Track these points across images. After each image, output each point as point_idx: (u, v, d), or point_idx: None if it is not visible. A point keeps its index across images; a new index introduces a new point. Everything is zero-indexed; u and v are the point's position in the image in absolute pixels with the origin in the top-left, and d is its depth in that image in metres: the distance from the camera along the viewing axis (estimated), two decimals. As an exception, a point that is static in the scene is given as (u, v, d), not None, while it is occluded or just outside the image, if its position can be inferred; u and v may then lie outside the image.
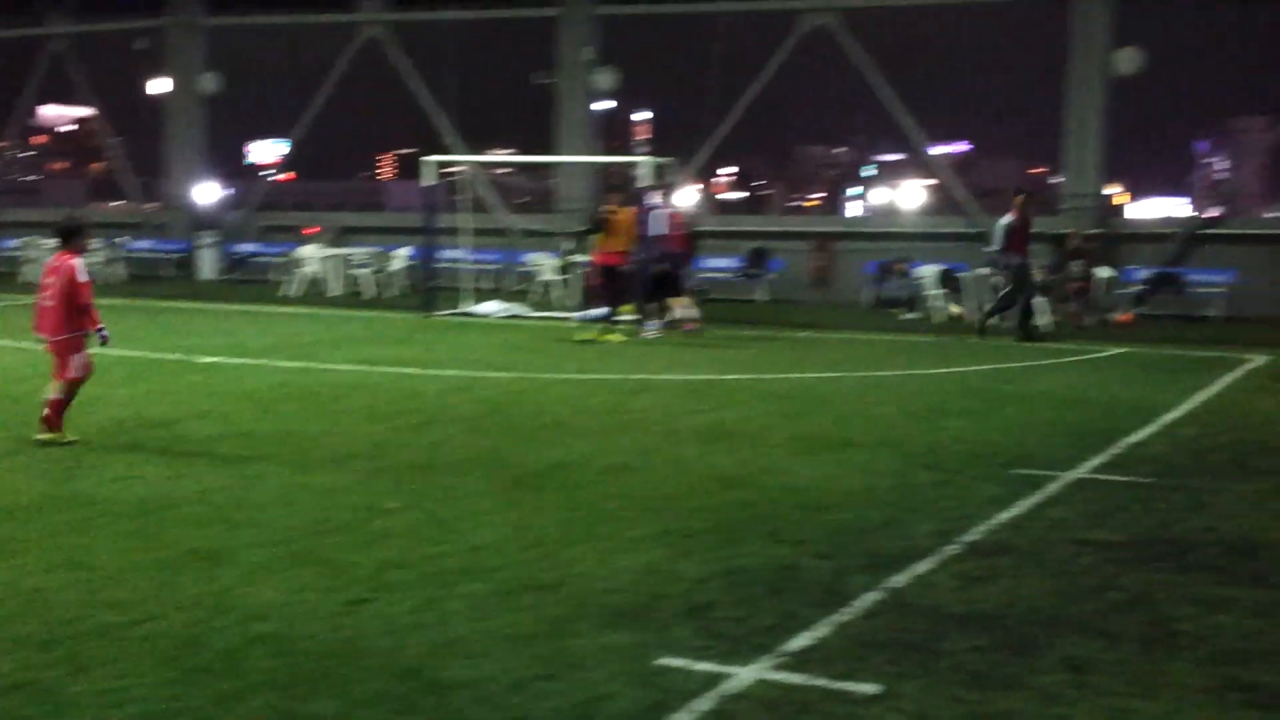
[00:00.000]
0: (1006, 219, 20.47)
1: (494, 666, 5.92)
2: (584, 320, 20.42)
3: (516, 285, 28.50)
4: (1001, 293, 20.79)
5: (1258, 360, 17.73)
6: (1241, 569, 7.54)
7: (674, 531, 8.23)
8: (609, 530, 8.26)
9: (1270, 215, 32.48)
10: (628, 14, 31.11)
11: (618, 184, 20.02)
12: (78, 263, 10.80)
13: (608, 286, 19.58)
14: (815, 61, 30.37)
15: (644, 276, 19.92)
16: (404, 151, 41.97)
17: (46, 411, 10.75)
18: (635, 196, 22.43)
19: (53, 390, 10.82)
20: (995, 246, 20.52)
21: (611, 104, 32.44)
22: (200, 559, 7.51)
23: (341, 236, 30.71)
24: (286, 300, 26.47)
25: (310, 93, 33.13)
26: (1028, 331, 20.11)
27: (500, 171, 36.28)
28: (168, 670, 5.82)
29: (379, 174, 49.96)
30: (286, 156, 35.72)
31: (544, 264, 27.13)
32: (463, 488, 9.34)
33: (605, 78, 30.41)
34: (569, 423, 12.20)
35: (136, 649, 6.06)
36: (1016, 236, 20.26)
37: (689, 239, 21.38)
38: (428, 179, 23.89)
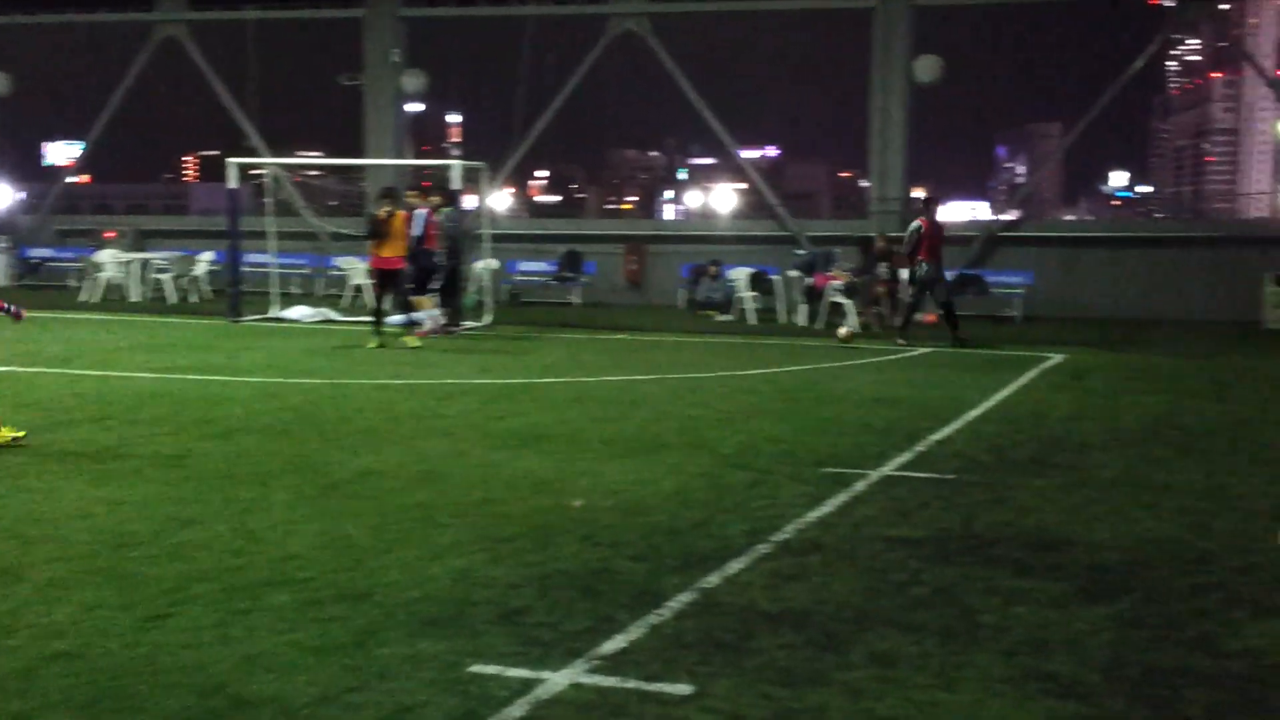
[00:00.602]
0: (915, 224, 20.86)
1: (301, 679, 5.78)
2: (401, 324, 20.19)
3: (327, 289, 28.03)
4: (911, 297, 21.12)
5: (1055, 359, 18.38)
6: (1039, 562, 7.78)
7: (486, 537, 8.16)
8: (420, 537, 8.15)
9: (1065, 218, 33.70)
10: (434, 16, 30.86)
11: (390, 189, 19.78)
12: None
13: (384, 290, 19.34)
14: (627, 65, 30.56)
15: (411, 278, 19.99)
16: (208, 153, 40.92)
17: None
18: (451, 197, 22.26)
19: None
20: (905, 250, 20.84)
21: (421, 106, 32.14)
22: (-11, 577, 7.19)
23: (141, 240, 29.80)
24: (84, 306, 25.58)
25: (106, 93, 32.07)
26: (910, 328, 20.66)
27: (310, 174, 35.62)
28: (-47, 694, 5.55)
29: (183, 176, 48.62)
30: (81, 158, 34.52)
31: (354, 268, 26.72)
32: (270, 497, 9.12)
33: (413, 80, 30.09)
34: (380, 429, 12.02)
35: (-82, 673, 5.76)
36: (925, 242, 20.51)
37: (448, 240, 21.27)
38: (232, 181, 23.34)
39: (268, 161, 27.82)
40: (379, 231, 19.05)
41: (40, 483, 9.52)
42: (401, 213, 19.58)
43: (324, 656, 6.05)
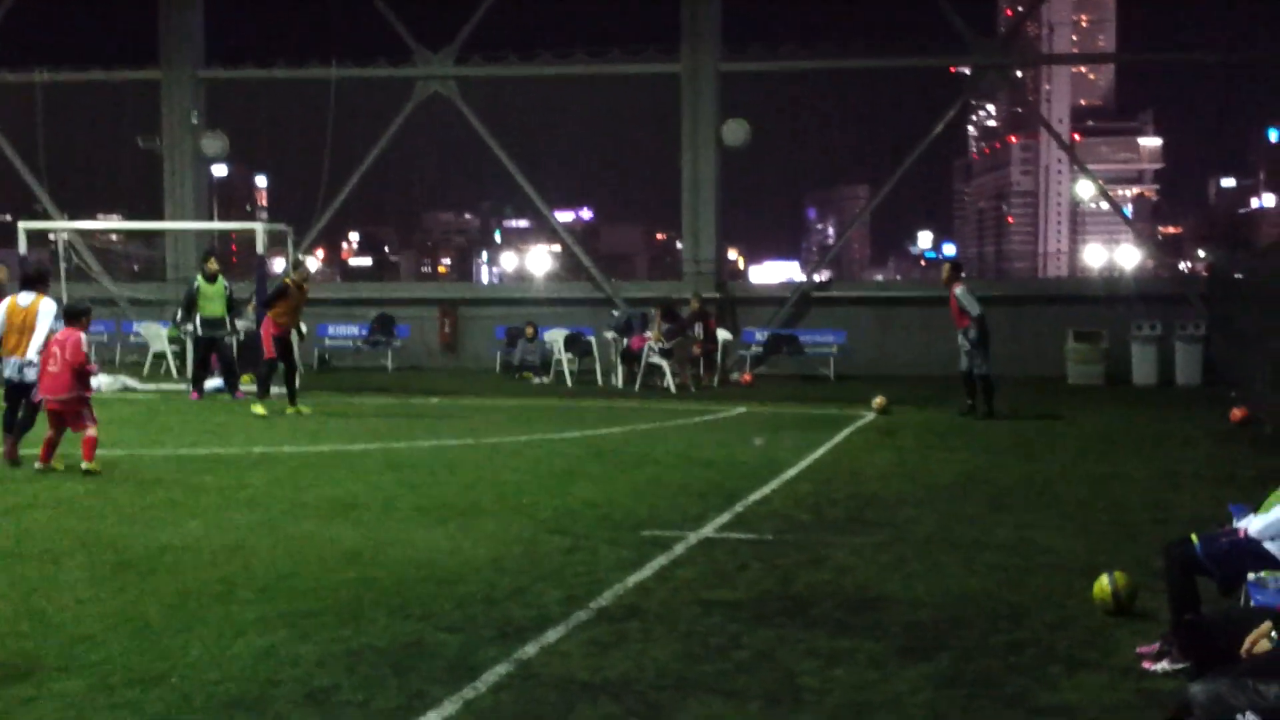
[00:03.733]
0: (960, 288, 18.82)
1: (88, 774, 5.40)
2: (214, 391, 19.71)
3: (126, 357, 27.07)
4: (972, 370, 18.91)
5: (868, 417, 18.62)
6: (858, 621, 7.75)
7: (292, 613, 7.81)
8: (222, 615, 7.76)
9: (875, 278, 34.47)
10: (233, 78, 30.26)
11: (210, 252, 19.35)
12: (82, 337, 12.99)
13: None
14: (438, 127, 30.34)
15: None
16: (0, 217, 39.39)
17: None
18: (257, 264, 21.74)
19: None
20: (974, 312, 18.68)
21: (223, 170, 31.41)
22: None
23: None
24: None
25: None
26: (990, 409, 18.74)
27: (109, 238, 34.50)
28: None
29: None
30: None
31: (157, 335, 25.84)
32: (61, 576, 8.63)
33: (213, 142, 29.37)
34: (181, 501, 11.51)
35: None
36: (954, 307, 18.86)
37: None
38: (23, 246, 22.43)
39: (61, 225, 26.83)
40: (284, 296, 18.68)
41: None
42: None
43: (114, 748, 5.67)
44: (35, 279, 14.30)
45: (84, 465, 12.77)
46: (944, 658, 7.04)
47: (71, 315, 13.36)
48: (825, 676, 6.70)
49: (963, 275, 19.67)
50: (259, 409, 18.22)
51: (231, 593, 8.28)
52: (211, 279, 20.64)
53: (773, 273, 37.62)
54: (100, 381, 22.33)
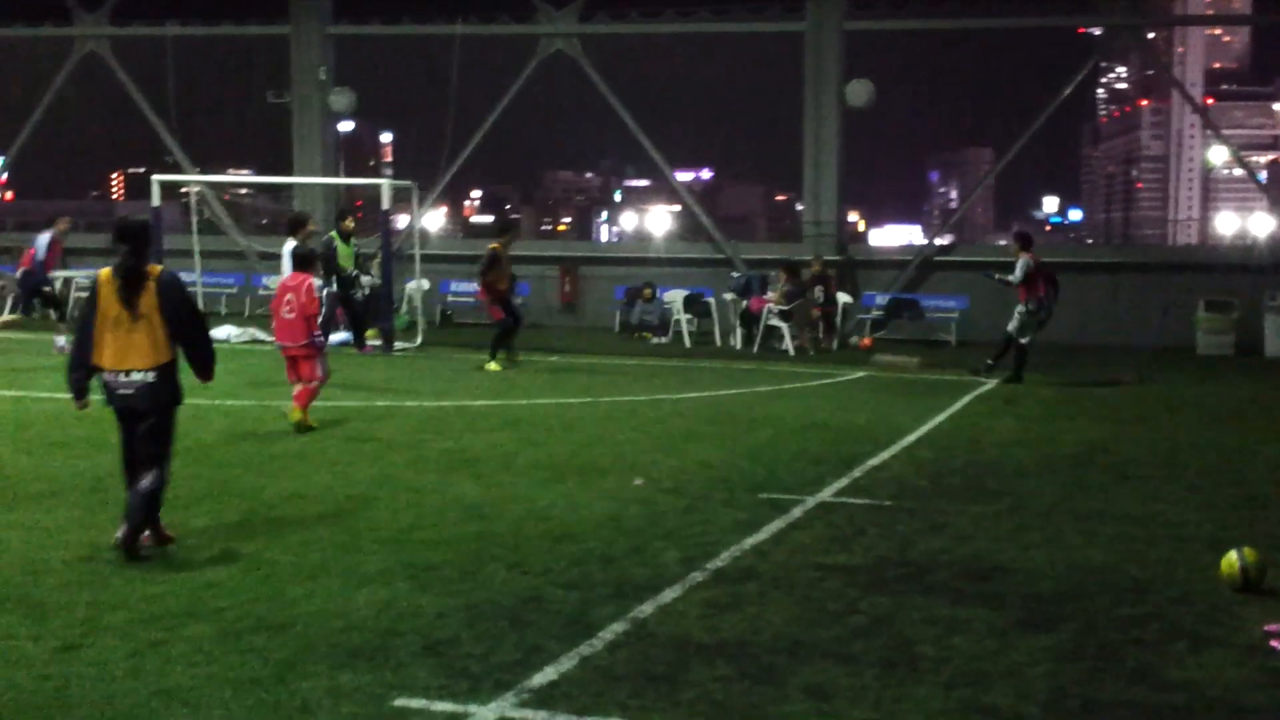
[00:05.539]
0: (1026, 260, 18.57)
1: (217, 714, 5.56)
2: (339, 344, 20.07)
3: (255, 309, 27.62)
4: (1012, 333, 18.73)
5: (989, 384, 18.38)
6: (976, 590, 7.67)
7: (413, 565, 7.94)
8: (345, 565, 7.91)
9: (999, 243, 33.88)
10: (361, 34, 30.57)
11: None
12: (315, 282, 13.32)
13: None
14: (560, 86, 30.41)
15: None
16: (135, 170, 40.31)
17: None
18: (382, 220, 22.03)
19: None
20: (1016, 279, 18.60)
21: (351, 125, 31.78)
22: (-110, 607, 6.89)
23: (65, 259, 29.18)
24: (5, 325, 24.96)
25: (28, 108, 31.46)
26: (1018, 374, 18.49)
27: (239, 192, 35.18)
28: None
29: (110, 193, 47.91)
30: (2, 173, 33.87)
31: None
32: (190, 523, 8.84)
33: (341, 98, 29.74)
34: (307, 452, 11.75)
35: None
36: (1035, 277, 18.60)
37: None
38: (156, 199, 22.94)
39: (193, 179, 27.41)
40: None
41: (-50, 507, 9.19)
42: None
43: (242, 690, 5.83)
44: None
45: (292, 415, 12.83)
46: (1065, 630, 6.95)
47: (303, 261, 13.58)
48: (942, 645, 6.65)
49: (1031, 248, 19.20)
50: (494, 366, 18.86)
51: (355, 544, 8.43)
52: (345, 238, 20.95)
53: (894, 236, 37.18)
54: (229, 332, 22.91)
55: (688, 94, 31.43)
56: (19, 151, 32.26)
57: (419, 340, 22.59)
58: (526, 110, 30.45)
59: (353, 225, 21.50)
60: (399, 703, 5.72)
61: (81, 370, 8.10)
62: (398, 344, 21.75)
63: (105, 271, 8.11)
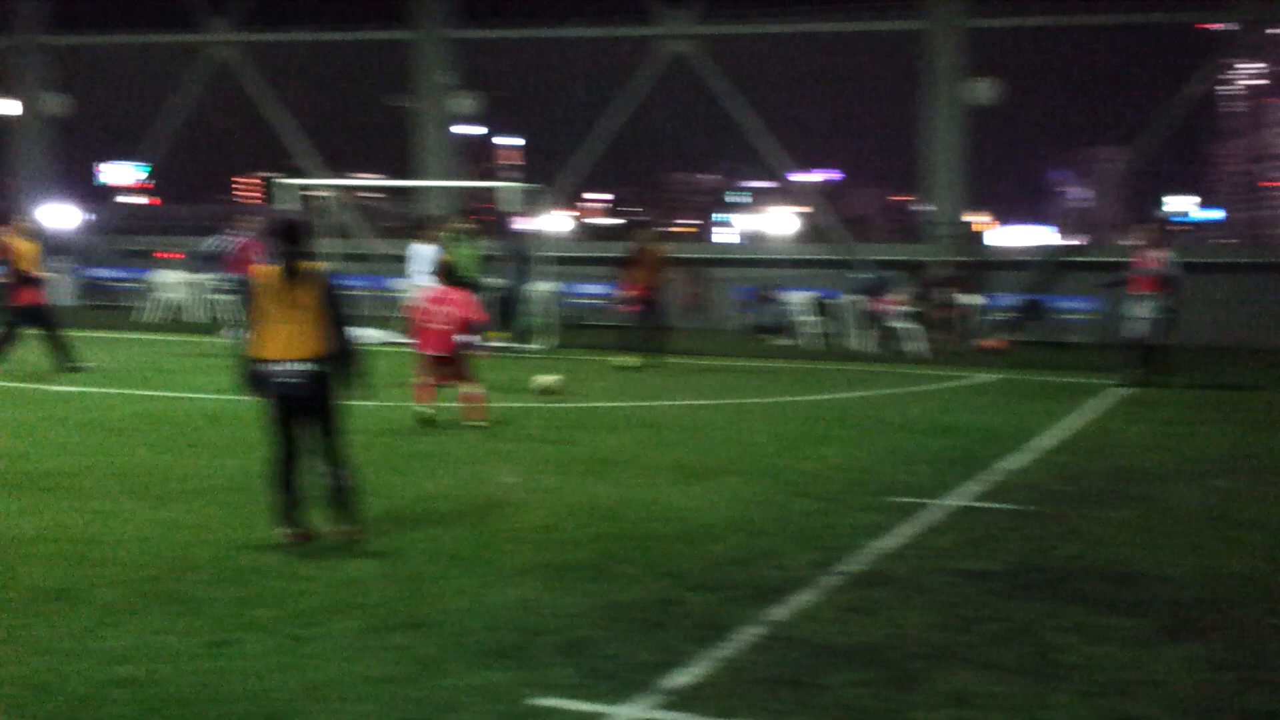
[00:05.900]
0: (1163, 254, 18.07)
1: (362, 710, 5.66)
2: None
3: (382, 311, 28.01)
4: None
5: (1125, 388, 18.01)
6: (1119, 598, 7.54)
7: (549, 565, 8.02)
8: (483, 564, 8.02)
9: (1128, 244, 33.21)
10: (485, 37, 30.88)
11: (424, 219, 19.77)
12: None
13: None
14: (679, 87, 30.42)
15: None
16: (265, 175, 41.19)
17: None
18: (500, 221, 22.28)
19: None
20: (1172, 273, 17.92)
21: (477, 129, 32.12)
22: (51, 600, 7.13)
23: (199, 261, 29.91)
24: (143, 326, 25.71)
25: (163, 115, 32.28)
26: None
27: (366, 195, 35.73)
28: (17, 719, 5.47)
29: (240, 197, 49.01)
30: (144, 179, 34.81)
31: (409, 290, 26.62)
32: (337, 519, 8.99)
33: (464, 102, 30.08)
34: (441, 452, 11.92)
35: (-20, 699, 5.69)
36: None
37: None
38: (285, 203, 23.40)
39: (320, 183, 27.89)
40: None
41: (101, 504, 9.48)
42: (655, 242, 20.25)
43: (386, 687, 5.93)
44: None
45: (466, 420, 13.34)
46: (1214, 639, 6.79)
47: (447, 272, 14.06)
48: (1085, 653, 6.55)
49: (1166, 244, 18.67)
50: (631, 361, 19.15)
51: (491, 543, 8.54)
52: (465, 241, 21.16)
53: (1021, 236, 36.53)
54: (371, 335, 23.27)
55: (808, 93, 31.19)
56: (161, 158, 33.13)
57: (547, 342, 22.77)
58: (646, 112, 30.52)
59: (471, 227, 21.66)
60: (538, 701, 5.78)
61: (249, 364, 8.33)
62: (527, 346, 21.95)
63: (265, 269, 8.40)
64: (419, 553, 8.26)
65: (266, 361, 8.22)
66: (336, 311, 8.34)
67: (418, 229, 19.01)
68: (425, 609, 7.08)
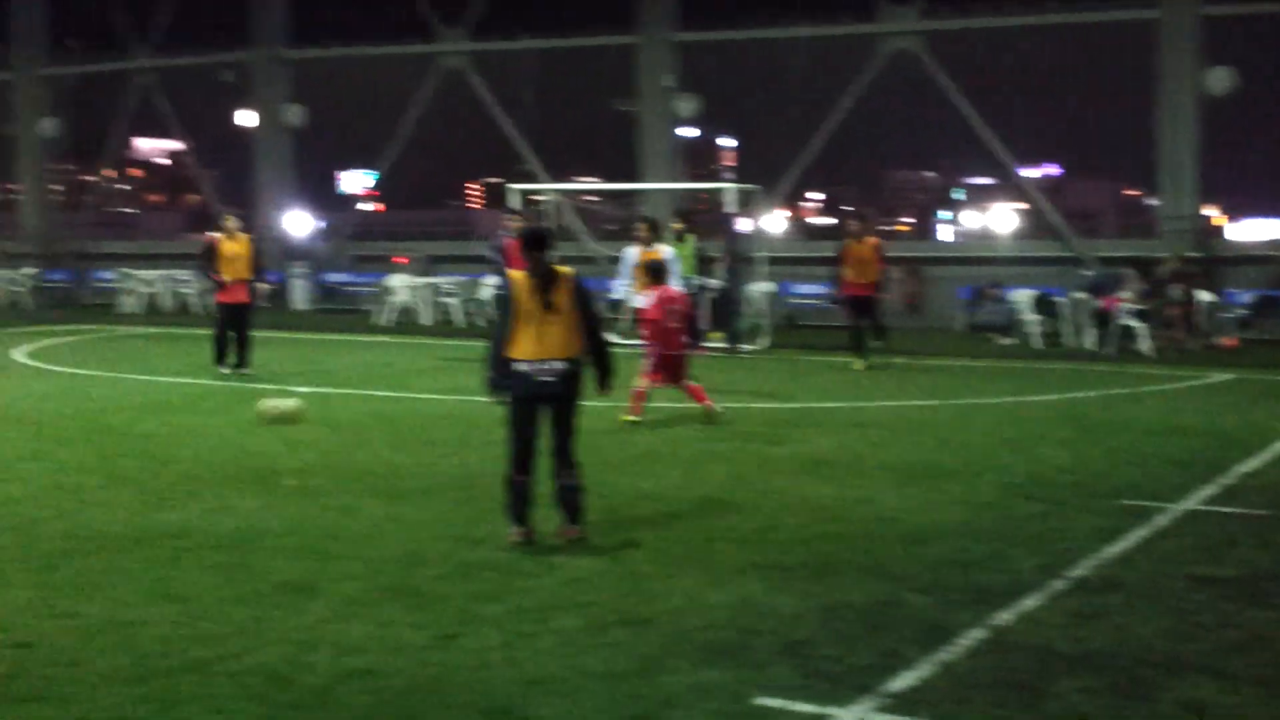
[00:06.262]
0: None
1: (587, 705, 5.78)
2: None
3: (606, 313, 28.42)
4: None
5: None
6: (1365, 606, 7.20)
7: (768, 565, 8.04)
8: (701, 563, 8.09)
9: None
10: (705, 40, 31.00)
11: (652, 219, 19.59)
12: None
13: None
14: (900, 84, 30.04)
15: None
16: (491, 180, 42.18)
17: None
18: (720, 222, 22.30)
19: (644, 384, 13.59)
20: None
21: (695, 131, 32.30)
22: (291, 592, 7.46)
23: (430, 265, 30.84)
24: (378, 329, 26.60)
25: (395, 123, 33.36)
26: None
27: (587, 199, 36.30)
28: (258, 706, 5.75)
29: (467, 203, 50.29)
30: (376, 186, 36.04)
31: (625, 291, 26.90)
32: (556, 519, 9.18)
33: (686, 104, 30.29)
34: (659, 452, 12.05)
35: (227, 685, 5.99)
36: None
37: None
38: (511, 205, 23.91)
39: (545, 187, 28.43)
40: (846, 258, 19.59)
41: (337, 501, 9.86)
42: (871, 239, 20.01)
43: (608, 682, 6.04)
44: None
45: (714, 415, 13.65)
46: None
47: (657, 272, 14.28)
48: (1329, 664, 6.28)
49: None
50: (859, 365, 18.94)
51: (710, 542, 8.61)
52: (681, 239, 21.28)
53: (1259, 230, 34.98)
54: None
55: (1033, 87, 30.44)
56: (389, 166, 34.25)
57: (764, 343, 22.78)
58: (866, 109, 30.24)
59: (682, 226, 21.69)
60: (760, 701, 5.81)
61: (499, 367, 8.52)
62: (744, 346, 22.00)
63: (519, 273, 8.62)
64: (639, 551, 8.38)
65: (522, 362, 8.42)
66: (588, 313, 8.61)
67: (632, 231, 19.15)
68: (646, 607, 7.19)
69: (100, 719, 5.59)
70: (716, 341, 21.64)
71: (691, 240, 21.51)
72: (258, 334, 18.73)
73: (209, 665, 6.24)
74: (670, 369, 13.77)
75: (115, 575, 7.80)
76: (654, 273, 14.28)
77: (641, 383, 13.70)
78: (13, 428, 13.41)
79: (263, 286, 18.64)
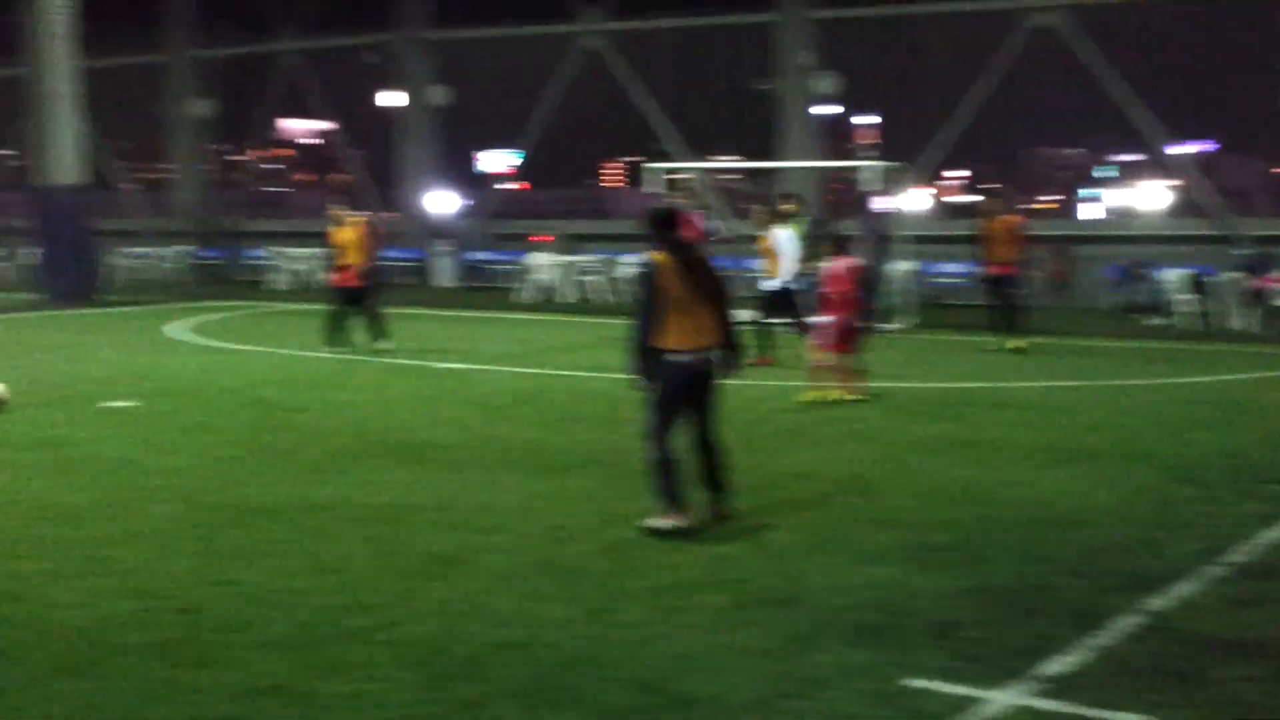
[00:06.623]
0: None
1: (735, 682, 5.82)
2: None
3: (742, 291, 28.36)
4: None
5: None
6: None
7: (913, 545, 8.00)
8: (847, 543, 8.07)
9: None
10: (845, 17, 30.70)
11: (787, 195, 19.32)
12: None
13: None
14: (1045, 59, 29.46)
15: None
16: (629, 159, 42.31)
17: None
18: (859, 200, 22.04)
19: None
20: None
21: (835, 109, 32.03)
22: (442, 564, 7.61)
23: (570, 244, 31.07)
24: (520, 307, 26.89)
25: (535, 103, 33.64)
26: None
27: (725, 177, 36.22)
28: (415, 675, 5.88)
29: (605, 182, 50.53)
30: (517, 166, 36.39)
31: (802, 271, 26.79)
32: (700, 497, 9.21)
33: (825, 82, 30.05)
34: (803, 431, 12.02)
35: (384, 653, 6.14)
36: None
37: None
38: (650, 186, 23.96)
39: (683, 165, 28.42)
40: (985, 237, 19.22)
41: (484, 476, 10.02)
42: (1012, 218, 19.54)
43: (756, 660, 6.07)
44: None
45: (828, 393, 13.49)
46: None
47: (839, 244, 14.24)
48: None
49: None
50: (1014, 344, 18.49)
51: (855, 522, 8.58)
52: (787, 221, 20.99)
53: None
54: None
55: (1181, 61, 29.63)
56: (528, 145, 34.57)
57: (906, 322, 22.57)
58: (1009, 86, 29.71)
59: (796, 208, 21.37)
60: (909, 683, 5.79)
61: (644, 353, 8.35)
62: (885, 326, 21.79)
63: (661, 256, 8.40)
64: (786, 530, 8.38)
65: (674, 351, 8.25)
66: (723, 296, 8.51)
67: (778, 209, 18.94)
68: (793, 586, 7.19)
69: (264, 685, 5.77)
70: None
71: (803, 222, 21.26)
72: (403, 311, 19.04)
73: (367, 634, 6.40)
74: (850, 339, 13.65)
75: (274, 545, 8.03)
76: (839, 243, 14.17)
77: (825, 356, 13.59)
78: (173, 401, 13.85)
79: (375, 267, 18.59)
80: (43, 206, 28.02)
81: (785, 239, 17.38)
